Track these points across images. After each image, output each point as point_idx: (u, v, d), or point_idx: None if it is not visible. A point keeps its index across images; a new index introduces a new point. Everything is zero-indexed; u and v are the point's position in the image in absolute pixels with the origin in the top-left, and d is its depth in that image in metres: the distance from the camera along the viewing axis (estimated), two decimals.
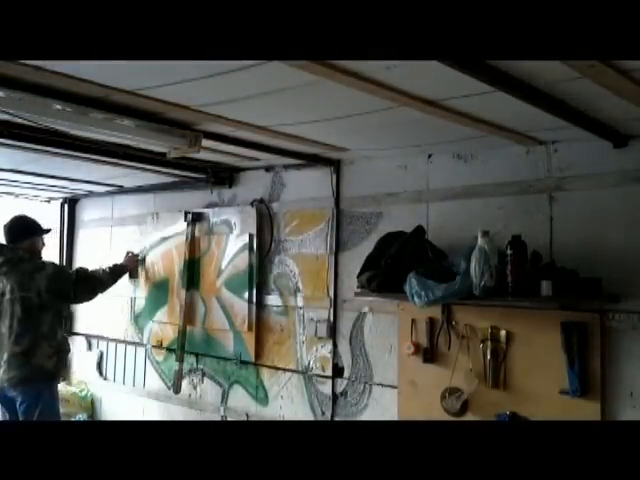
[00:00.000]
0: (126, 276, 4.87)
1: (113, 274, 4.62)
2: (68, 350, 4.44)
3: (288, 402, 4.08)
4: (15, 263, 4.15)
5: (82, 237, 5.77)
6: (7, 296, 4.12)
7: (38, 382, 4.06)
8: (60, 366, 4.26)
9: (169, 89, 2.45)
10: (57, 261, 5.67)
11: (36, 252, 4.31)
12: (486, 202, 3.28)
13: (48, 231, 4.46)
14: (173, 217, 4.80)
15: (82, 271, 4.51)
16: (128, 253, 4.95)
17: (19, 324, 4.07)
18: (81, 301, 4.63)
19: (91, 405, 5.44)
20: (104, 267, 4.63)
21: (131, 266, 4.89)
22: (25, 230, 4.27)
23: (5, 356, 4.07)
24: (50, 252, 5.50)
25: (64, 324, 4.39)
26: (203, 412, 4.57)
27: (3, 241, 4.28)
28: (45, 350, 4.08)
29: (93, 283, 4.46)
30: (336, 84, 2.22)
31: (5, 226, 4.29)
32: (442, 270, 3.05)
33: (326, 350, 3.88)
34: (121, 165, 3.98)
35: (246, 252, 4.26)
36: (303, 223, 4.05)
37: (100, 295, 4.57)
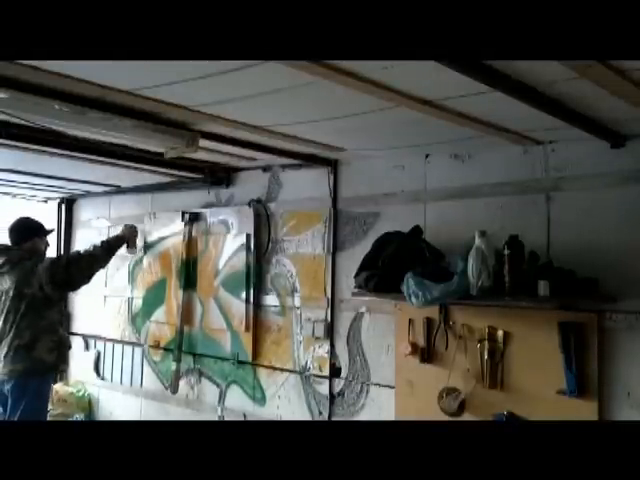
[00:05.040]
0: (124, 248, 4.72)
1: (108, 247, 4.50)
2: (69, 346, 4.49)
3: (285, 402, 4.08)
4: (15, 263, 4.21)
5: (79, 237, 5.77)
6: (10, 293, 4.17)
7: (34, 375, 4.11)
8: (59, 361, 4.30)
9: (166, 89, 2.45)
10: None
11: (38, 253, 4.35)
12: (483, 202, 3.28)
13: (50, 231, 4.50)
14: (170, 217, 4.80)
15: (72, 254, 4.54)
16: (130, 226, 4.82)
17: (21, 319, 4.13)
18: (79, 283, 4.50)
19: (88, 405, 5.43)
20: (97, 243, 4.51)
21: (129, 236, 4.73)
22: (26, 232, 4.34)
23: (5, 350, 4.11)
24: (47, 252, 5.49)
25: (63, 321, 4.41)
26: (200, 412, 4.57)
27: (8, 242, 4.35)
28: (46, 344, 4.14)
29: (84, 263, 4.35)
30: (333, 84, 2.22)
31: (9, 228, 4.37)
32: (439, 270, 3.05)
33: (323, 350, 3.88)
34: (118, 165, 3.98)
35: (243, 252, 4.26)
36: (300, 223, 4.05)
37: (99, 272, 4.47)
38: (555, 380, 2.91)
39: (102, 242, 4.54)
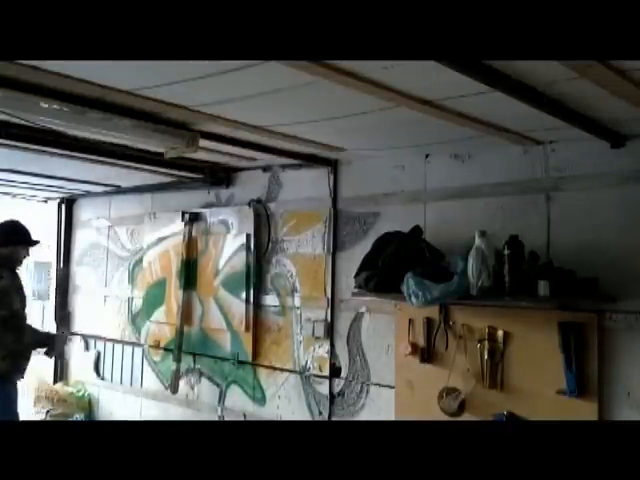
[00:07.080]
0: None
1: (34, 342, 4.25)
2: (23, 355, 4.18)
3: (285, 402, 4.08)
4: None
5: (79, 237, 5.77)
6: None
7: None
8: (13, 369, 4.08)
9: (166, 89, 2.45)
10: (54, 261, 5.66)
11: (14, 261, 4.17)
12: (483, 202, 3.28)
13: (36, 243, 4.29)
14: (170, 217, 4.80)
15: (11, 321, 4.10)
16: (62, 332, 4.77)
17: None
18: None
19: (88, 405, 5.44)
20: (35, 329, 4.34)
21: (53, 346, 4.41)
22: (10, 237, 4.16)
23: None
24: (48, 252, 5.51)
25: (22, 329, 4.14)
26: (200, 412, 4.57)
27: None
28: None
29: (9, 337, 4.05)
30: (333, 84, 2.22)
31: None
32: (439, 270, 3.05)
33: (323, 350, 3.88)
34: (118, 165, 3.99)
35: (243, 252, 4.26)
36: (300, 223, 4.05)
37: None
38: (555, 380, 2.91)
39: (36, 334, 4.30)
